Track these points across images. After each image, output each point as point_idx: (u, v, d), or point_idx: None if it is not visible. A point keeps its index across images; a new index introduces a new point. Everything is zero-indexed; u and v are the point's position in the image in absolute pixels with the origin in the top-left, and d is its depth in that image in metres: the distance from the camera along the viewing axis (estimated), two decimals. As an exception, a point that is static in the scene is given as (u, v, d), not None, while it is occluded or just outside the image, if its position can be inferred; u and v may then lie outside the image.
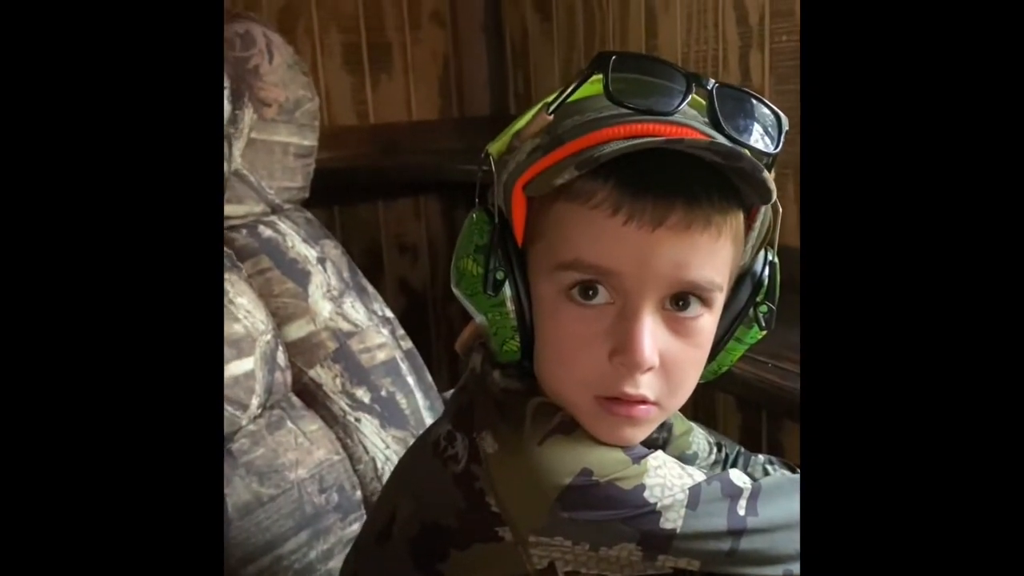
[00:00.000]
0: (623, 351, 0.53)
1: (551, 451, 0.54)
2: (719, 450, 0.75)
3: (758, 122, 0.57)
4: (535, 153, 0.55)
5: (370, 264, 1.64)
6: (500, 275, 0.56)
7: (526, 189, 0.55)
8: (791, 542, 0.55)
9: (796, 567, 0.56)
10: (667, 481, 0.54)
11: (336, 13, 1.58)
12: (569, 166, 0.51)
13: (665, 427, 0.70)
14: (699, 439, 0.74)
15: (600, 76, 0.54)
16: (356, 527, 0.89)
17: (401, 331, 1.05)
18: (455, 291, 0.59)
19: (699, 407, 1.14)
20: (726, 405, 1.15)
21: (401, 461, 0.69)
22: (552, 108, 0.55)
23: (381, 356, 0.99)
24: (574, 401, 0.57)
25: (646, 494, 0.53)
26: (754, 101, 0.57)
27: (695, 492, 0.54)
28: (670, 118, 0.53)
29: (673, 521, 0.53)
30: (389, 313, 1.06)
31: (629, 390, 0.54)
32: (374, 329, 1.00)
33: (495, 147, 0.58)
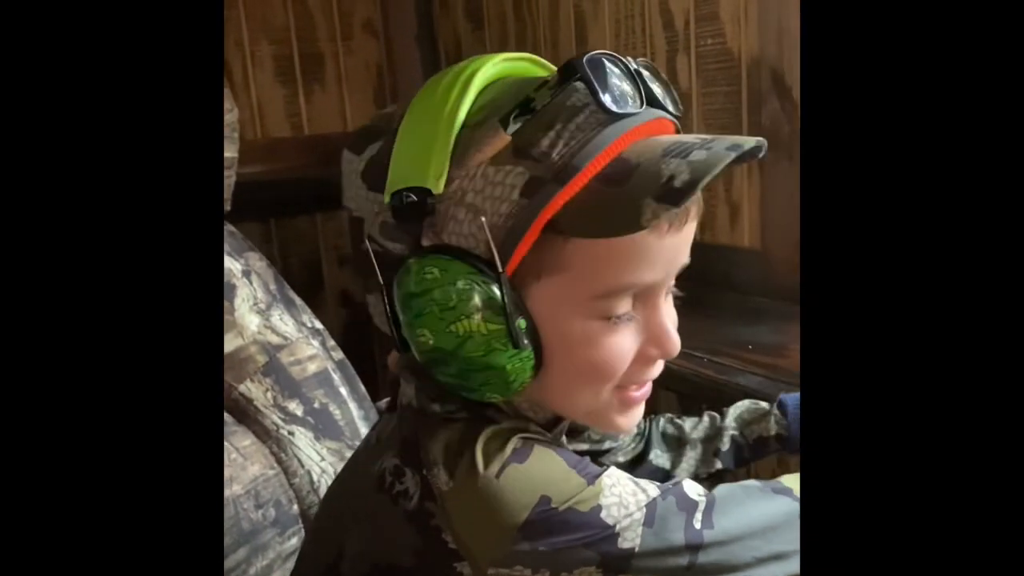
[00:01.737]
0: (658, 344, 0.56)
1: (508, 483, 0.53)
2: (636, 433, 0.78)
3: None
4: (544, 186, 0.50)
5: (309, 277, 1.62)
6: (522, 323, 0.52)
7: (588, 232, 0.51)
8: (748, 551, 0.55)
9: (755, 574, 0.56)
10: (623, 499, 0.54)
11: (266, 25, 1.57)
12: (642, 198, 0.48)
13: None
14: None
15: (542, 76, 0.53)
16: (295, 541, 0.87)
17: (331, 342, 1.04)
18: (438, 359, 0.54)
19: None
20: (668, 402, 1.17)
21: (339, 492, 0.66)
22: (511, 129, 0.51)
23: (312, 368, 0.98)
24: (594, 407, 0.57)
25: (603, 515, 0.53)
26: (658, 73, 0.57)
27: (651, 509, 0.54)
28: (646, 111, 0.52)
29: (631, 540, 0.53)
30: (319, 324, 1.04)
31: (653, 375, 0.58)
32: (304, 341, 0.99)
33: (435, 183, 0.52)
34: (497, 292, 0.52)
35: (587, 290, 0.53)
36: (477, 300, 0.52)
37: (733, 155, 0.50)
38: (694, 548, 0.54)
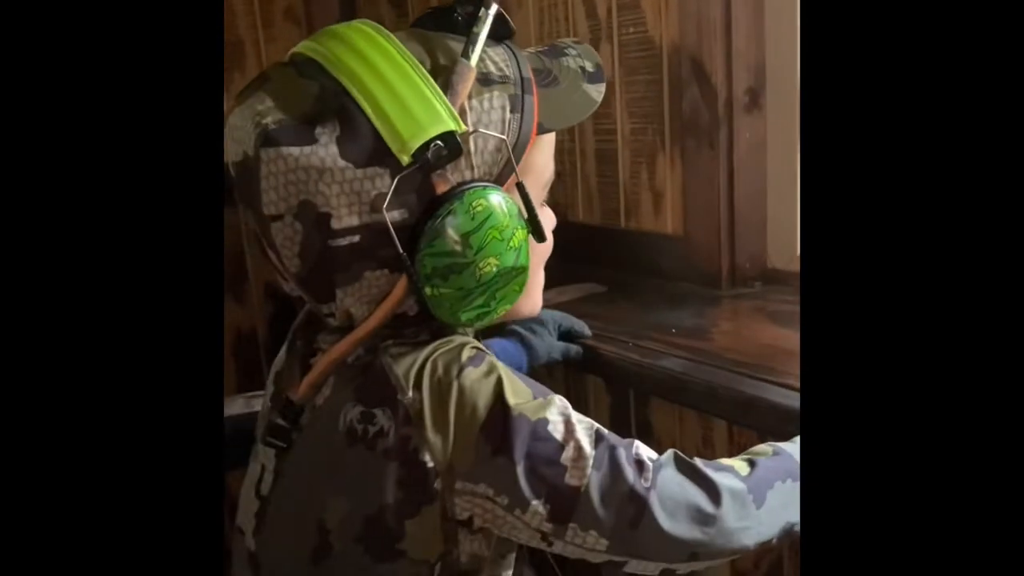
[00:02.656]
0: (551, 218, 0.70)
1: (467, 383, 0.59)
2: None
3: None
4: (523, 98, 0.61)
5: (233, 269, 1.59)
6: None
7: (566, 122, 0.67)
8: (691, 526, 0.58)
9: (702, 550, 0.58)
10: (569, 420, 0.59)
11: (183, 11, 1.52)
12: (580, 85, 0.65)
13: None
14: None
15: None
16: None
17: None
18: (484, 287, 0.60)
19: (571, 390, 1.17)
20: (596, 388, 1.18)
21: (294, 487, 0.66)
22: (474, 61, 0.59)
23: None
24: (540, 289, 0.70)
25: (550, 428, 0.58)
26: None
27: (602, 451, 0.58)
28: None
29: (578, 479, 0.57)
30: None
31: None
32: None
33: (456, 123, 0.57)
34: (519, 201, 0.61)
35: (542, 180, 0.67)
36: (513, 212, 0.60)
37: (585, 42, 0.71)
38: (640, 506, 0.57)
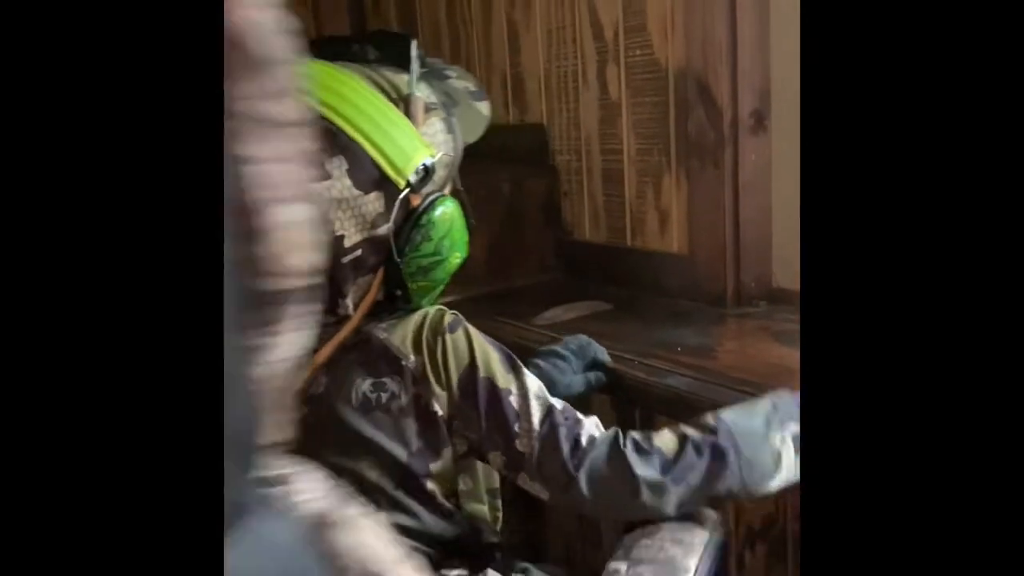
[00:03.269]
0: None
1: (449, 345, 0.69)
2: None
3: None
4: (450, 121, 0.73)
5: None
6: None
7: (476, 136, 0.77)
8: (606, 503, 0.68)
9: (625, 516, 0.71)
10: (527, 395, 0.69)
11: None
12: (472, 104, 0.77)
13: None
14: None
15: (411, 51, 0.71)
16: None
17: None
18: (448, 272, 0.73)
19: (578, 409, 1.17)
20: (601, 405, 1.19)
21: (322, 456, 0.68)
22: (418, 93, 0.70)
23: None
24: None
25: (511, 398, 0.69)
26: None
27: (545, 429, 0.68)
28: None
29: (525, 446, 0.68)
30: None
31: None
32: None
33: (429, 152, 0.69)
34: (459, 201, 0.73)
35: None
36: (460, 213, 0.72)
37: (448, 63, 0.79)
38: (569, 479, 0.67)
